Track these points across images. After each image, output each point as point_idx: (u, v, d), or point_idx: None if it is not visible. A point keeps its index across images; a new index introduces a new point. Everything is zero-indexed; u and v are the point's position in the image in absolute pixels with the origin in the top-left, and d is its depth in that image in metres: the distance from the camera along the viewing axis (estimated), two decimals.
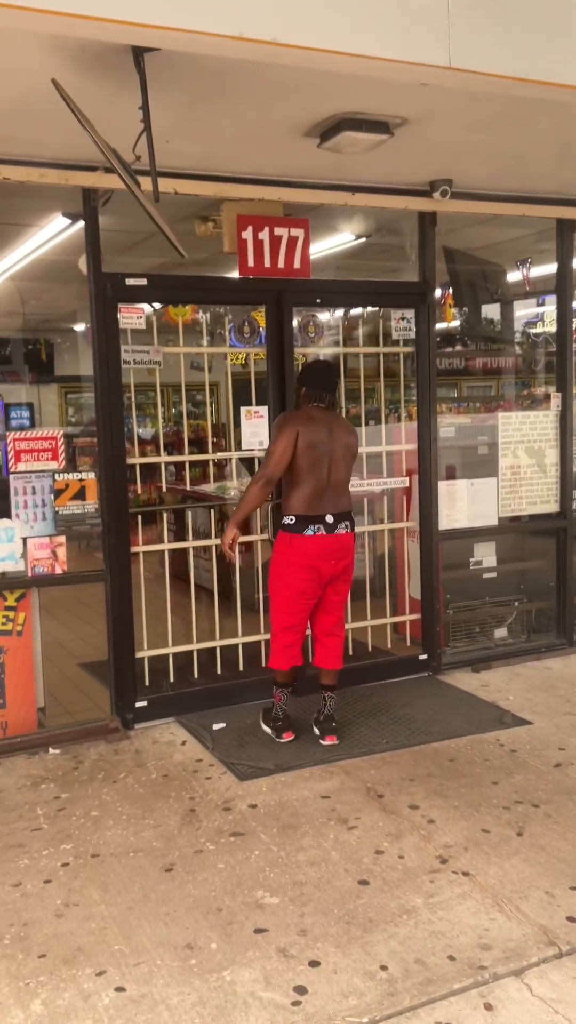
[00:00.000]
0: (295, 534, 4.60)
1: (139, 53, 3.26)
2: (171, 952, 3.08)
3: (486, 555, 6.15)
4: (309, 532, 4.58)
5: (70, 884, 3.52)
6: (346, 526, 4.68)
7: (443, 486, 5.93)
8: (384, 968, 2.96)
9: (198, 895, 3.41)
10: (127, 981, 2.94)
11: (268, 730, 4.92)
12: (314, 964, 3.00)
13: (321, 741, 4.79)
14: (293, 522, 4.61)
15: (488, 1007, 2.79)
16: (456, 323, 6.70)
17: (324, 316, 5.64)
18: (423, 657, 5.88)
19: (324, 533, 4.61)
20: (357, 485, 5.35)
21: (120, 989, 2.90)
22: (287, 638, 4.76)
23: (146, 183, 3.60)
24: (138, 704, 5.12)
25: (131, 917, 3.29)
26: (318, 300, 5.58)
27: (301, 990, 2.87)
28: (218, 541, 4.94)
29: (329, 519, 4.62)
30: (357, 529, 4.79)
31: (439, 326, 6.07)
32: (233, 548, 4.69)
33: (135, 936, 3.18)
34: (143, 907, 3.35)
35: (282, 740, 4.82)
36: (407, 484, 5.90)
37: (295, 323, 5.45)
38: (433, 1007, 2.80)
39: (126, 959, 3.05)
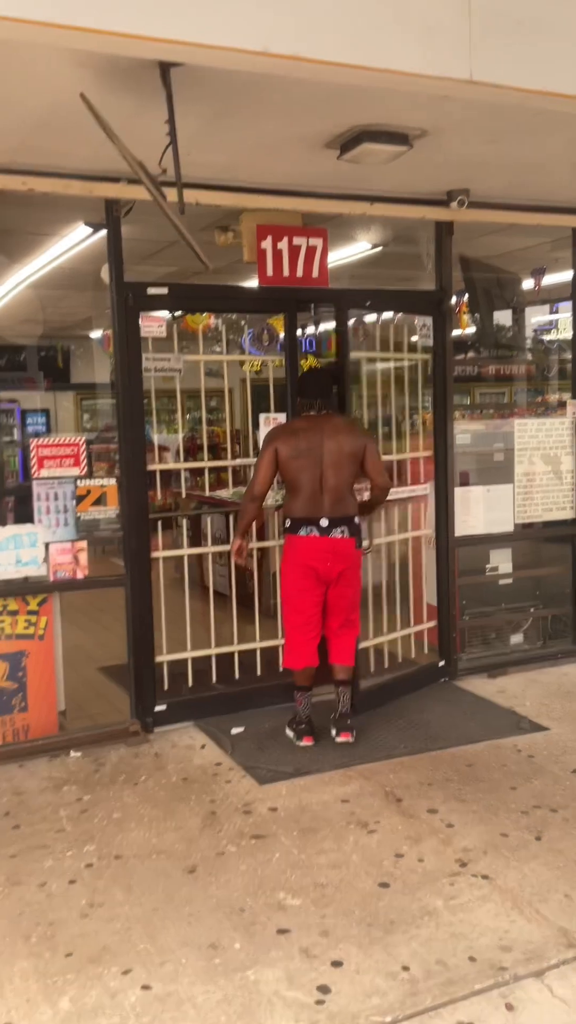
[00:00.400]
0: (291, 535, 4.82)
1: (165, 68, 3.33)
2: (195, 952, 3.13)
3: (502, 561, 6.18)
4: (303, 533, 4.77)
5: (94, 885, 3.57)
6: (342, 531, 4.77)
7: (459, 492, 5.97)
8: (406, 969, 3.00)
9: (221, 896, 3.46)
10: (153, 979, 2.98)
11: (290, 733, 4.98)
12: (337, 964, 3.04)
13: (335, 739, 4.87)
14: (289, 524, 4.84)
15: (509, 1007, 2.83)
16: (471, 330, 6.75)
17: (368, 319, 5.68)
18: (440, 664, 5.91)
19: (317, 535, 4.76)
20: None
21: (146, 987, 2.95)
22: (296, 636, 4.90)
23: (170, 194, 3.67)
24: (157, 708, 5.18)
25: (155, 917, 3.34)
26: (334, 308, 5.63)
27: (324, 989, 2.91)
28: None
29: (324, 523, 4.75)
30: (377, 540, 4.86)
31: (453, 333, 6.13)
32: (242, 556, 4.94)
33: (160, 936, 3.22)
34: (167, 908, 3.40)
35: (301, 744, 4.87)
36: (427, 491, 5.94)
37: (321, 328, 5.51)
38: (455, 1007, 2.83)
39: (151, 958, 3.10)
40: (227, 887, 3.53)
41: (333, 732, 4.91)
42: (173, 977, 2.99)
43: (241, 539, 4.93)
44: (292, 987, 2.93)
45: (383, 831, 3.93)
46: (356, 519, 4.85)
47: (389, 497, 5.17)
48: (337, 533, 4.77)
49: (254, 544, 5.96)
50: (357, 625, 5.02)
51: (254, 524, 5.09)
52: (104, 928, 3.28)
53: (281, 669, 5.34)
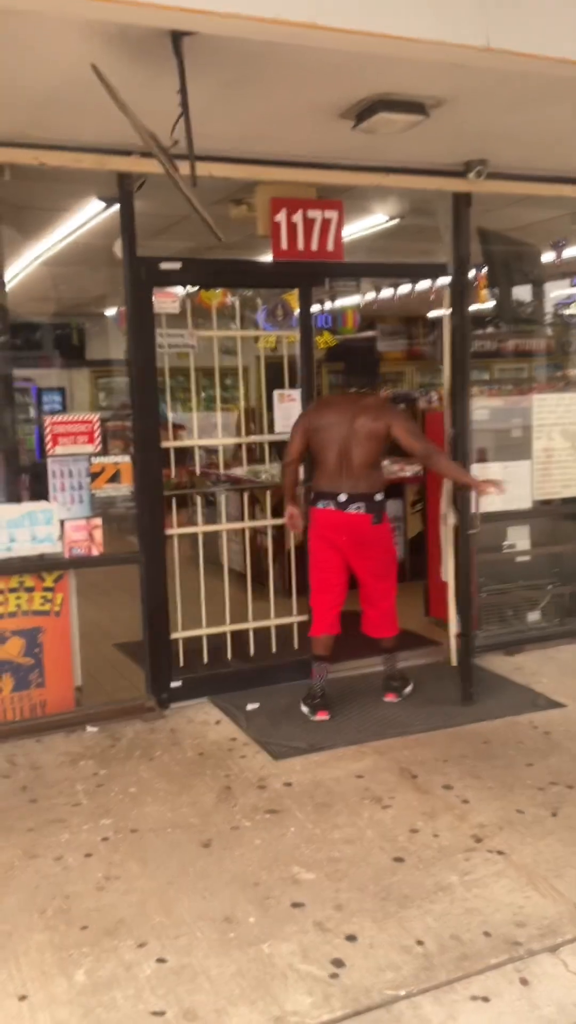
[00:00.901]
0: (312, 507, 5.03)
1: (177, 37, 3.29)
2: (210, 925, 3.15)
3: (519, 538, 6.15)
4: (320, 505, 4.97)
5: (110, 858, 3.61)
6: (359, 507, 4.89)
7: (476, 469, 5.92)
8: (420, 943, 3.02)
9: (235, 870, 3.49)
10: (168, 952, 3.01)
11: (305, 709, 5.01)
12: (351, 938, 3.06)
13: (383, 698, 5.19)
14: (312, 496, 5.05)
15: (524, 982, 2.84)
16: (489, 304, 6.68)
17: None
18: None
19: (333, 508, 4.92)
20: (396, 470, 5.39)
21: (161, 960, 2.98)
22: (318, 603, 5.06)
23: (183, 167, 3.63)
24: (173, 684, 5.21)
25: (170, 891, 3.37)
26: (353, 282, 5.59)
27: (338, 963, 2.93)
28: (251, 524, 5.44)
29: (341, 498, 4.90)
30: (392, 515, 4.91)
31: (472, 308, 6.06)
32: (297, 526, 5.15)
33: (175, 909, 3.25)
34: (182, 881, 3.43)
35: (316, 718, 4.91)
36: None
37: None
38: (469, 982, 2.85)
39: (166, 931, 3.13)
40: (242, 861, 3.55)
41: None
42: (188, 950, 3.02)
43: (291, 505, 5.13)
44: (306, 961, 2.95)
45: (398, 806, 3.94)
46: (378, 496, 4.94)
47: (407, 473, 5.23)
48: (353, 509, 4.88)
49: (269, 521, 5.97)
50: (389, 596, 5.14)
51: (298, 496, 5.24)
52: (120, 901, 3.32)
53: (296, 647, 5.36)
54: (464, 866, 3.47)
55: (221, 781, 4.25)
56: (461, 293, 5.71)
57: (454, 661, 5.25)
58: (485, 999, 2.76)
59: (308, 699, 5.02)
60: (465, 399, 5.77)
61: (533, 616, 6.26)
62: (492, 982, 2.84)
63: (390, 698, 5.16)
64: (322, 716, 4.92)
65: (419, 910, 3.20)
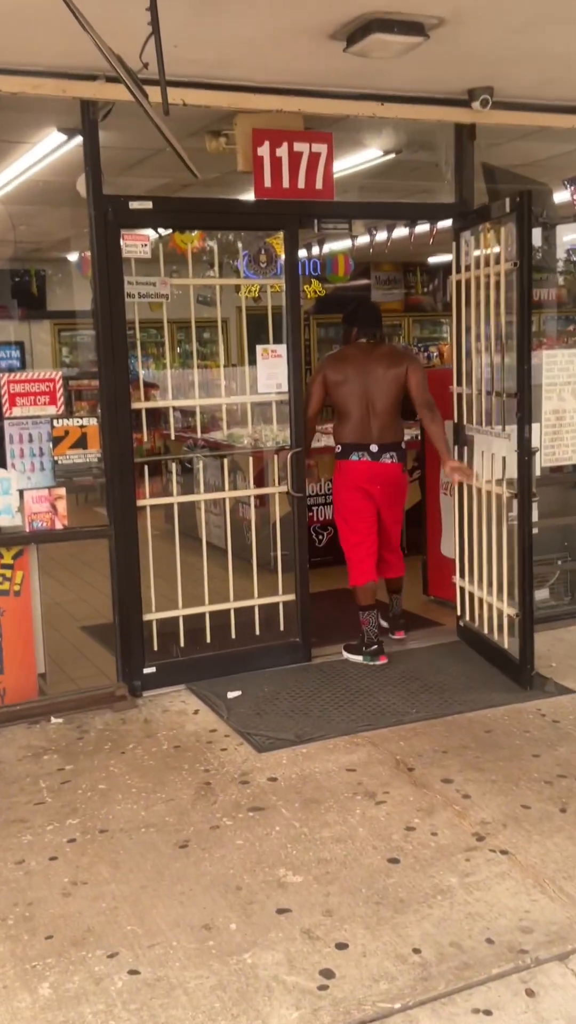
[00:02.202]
0: (343, 460, 5.51)
1: None
2: (188, 933, 3.17)
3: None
4: (354, 458, 5.47)
5: (77, 861, 3.61)
6: (391, 456, 5.52)
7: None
8: (417, 951, 3.04)
9: (215, 873, 3.50)
10: (141, 963, 3.03)
11: (359, 658, 5.51)
12: (341, 946, 3.08)
13: (391, 635, 5.79)
14: (340, 450, 5.53)
15: (530, 993, 2.87)
16: (495, 250, 6.62)
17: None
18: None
19: (368, 460, 5.47)
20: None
21: (134, 972, 2.99)
22: (358, 554, 5.58)
23: (154, 94, 3.56)
24: (146, 670, 5.21)
25: (144, 896, 3.38)
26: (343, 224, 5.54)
27: (328, 974, 2.95)
28: (232, 494, 5.59)
29: (374, 448, 5.46)
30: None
31: (477, 253, 6.01)
32: (313, 476, 5.79)
33: (149, 916, 3.26)
34: (157, 885, 3.44)
35: (377, 663, 5.46)
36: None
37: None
38: (470, 993, 2.87)
39: (139, 940, 3.14)
40: (222, 863, 3.56)
41: (387, 625, 5.79)
42: (163, 961, 3.04)
43: (309, 459, 5.68)
44: (293, 971, 2.97)
45: (393, 802, 3.96)
46: (403, 444, 5.55)
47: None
48: (387, 458, 5.49)
49: (252, 490, 5.95)
50: (399, 538, 5.83)
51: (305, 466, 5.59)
52: (88, 908, 3.32)
53: (282, 628, 5.36)
54: (465, 867, 3.49)
55: (200, 776, 4.25)
56: (523, 232, 5.43)
57: (505, 642, 5.22)
58: (487, 1012, 2.79)
59: (363, 647, 5.51)
60: (529, 353, 5.45)
61: (541, 594, 6.26)
62: (495, 993, 2.87)
63: (400, 635, 5.81)
64: (384, 660, 5.46)
65: (416, 915, 3.22)
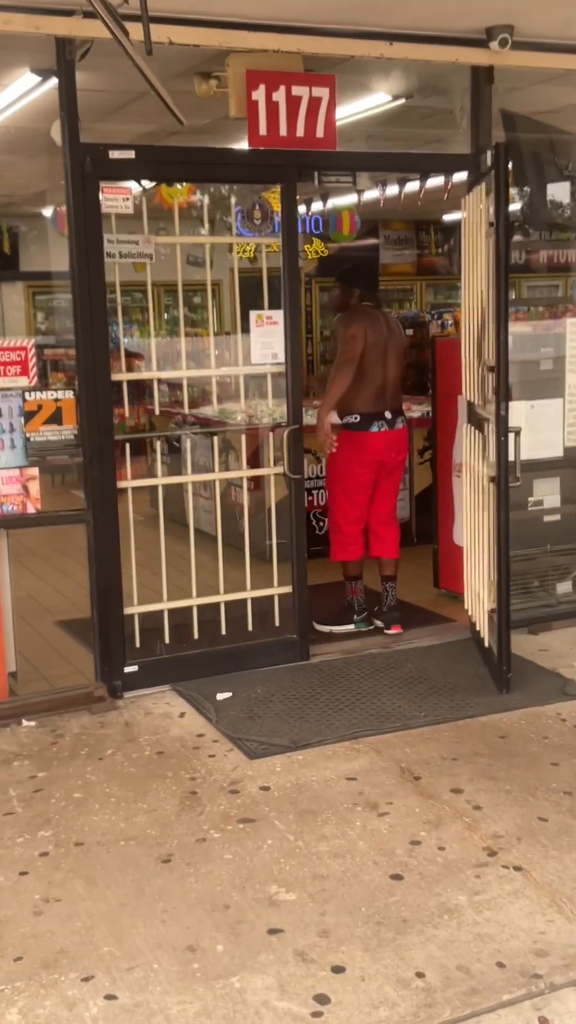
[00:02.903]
0: (362, 431, 5.72)
1: None
2: (170, 955, 3.20)
3: (548, 493, 6.18)
4: (375, 429, 5.72)
5: (50, 876, 3.64)
6: (402, 420, 5.92)
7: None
8: (420, 975, 3.08)
9: (201, 890, 3.53)
10: (119, 988, 3.06)
11: (348, 627, 5.90)
12: (338, 970, 3.11)
13: (386, 631, 5.89)
14: (358, 420, 5.73)
15: (543, 1021, 2.90)
16: (516, 206, 6.62)
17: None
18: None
19: (387, 429, 5.77)
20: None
21: (111, 997, 3.02)
22: (351, 529, 5.92)
23: (136, 31, 3.56)
24: (127, 669, 5.23)
25: (123, 915, 3.41)
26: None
27: (323, 999, 2.99)
28: (223, 475, 5.52)
29: (388, 415, 5.77)
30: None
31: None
32: (330, 439, 5.70)
33: (128, 937, 3.30)
34: (137, 903, 3.47)
35: (392, 632, 5.84)
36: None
37: None
38: (478, 1020, 2.90)
39: (117, 963, 3.17)
40: (209, 879, 3.60)
41: (381, 624, 5.93)
42: (143, 985, 3.07)
43: (327, 415, 5.72)
44: (284, 997, 3.00)
45: (397, 814, 3.99)
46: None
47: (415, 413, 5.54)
48: (400, 424, 5.86)
49: (245, 471, 5.96)
50: (397, 515, 6.11)
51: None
52: (61, 927, 3.36)
53: (277, 624, 5.40)
54: (475, 884, 3.53)
55: (185, 785, 4.28)
56: (500, 189, 5.55)
57: (487, 640, 5.27)
58: None
59: (353, 615, 5.92)
60: (505, 323, 5.58)
61: (563, 587, 6.30)
62: (505, 1021, 2.90)
63: (396, 630, 5.88)
64: (398, 629, 5.86)
65: (420, 936, 3.26)
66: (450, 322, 12.21)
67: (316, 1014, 2.93)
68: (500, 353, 4.88)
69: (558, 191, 6.71)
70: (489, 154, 5.00)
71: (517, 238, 7.83)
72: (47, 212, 10.98)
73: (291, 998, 2.99)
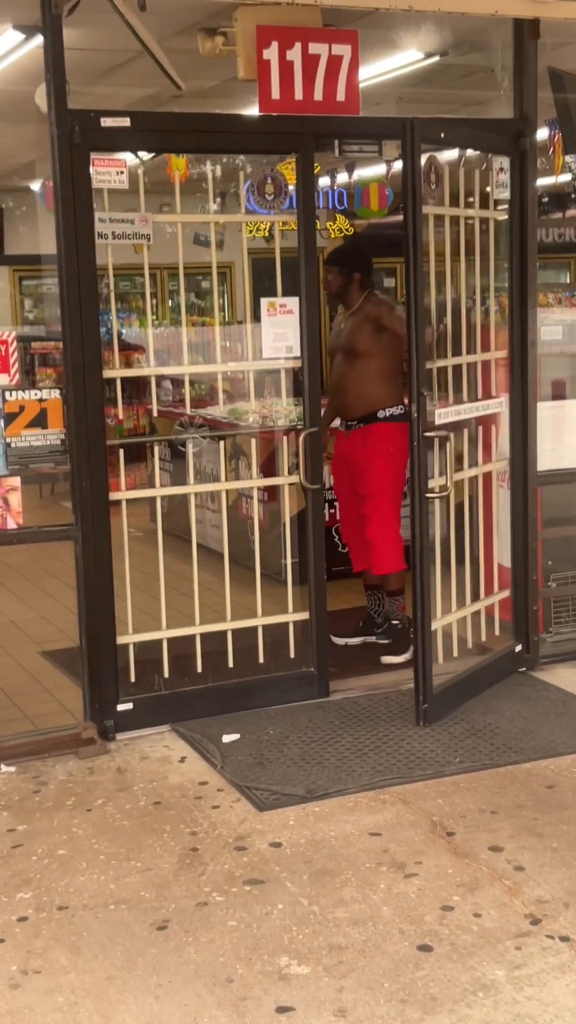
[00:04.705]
0: (404, 422, 5.62)
1: None
2: None
3: None
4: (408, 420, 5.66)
5: (29, 945, 3.65)
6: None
7: (545, 409, 5.93)
8: None
9: (201, 961, 3.53)
10: None
11: (401, 659, 6.00)
12: None
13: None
14: (403, 411, 5.90)
15: None
16: (569, 178, 6.64)
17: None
18: (516, 649, 5.93)
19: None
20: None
21: None
22: (397, 531, 6.16)
23: None
24: (121, 707, 5.25)
25: (111, 989, 3.42)
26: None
27: None
28: (229, 486, 5.10)
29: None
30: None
31: (544, 181, 6.01)
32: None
33: (116, 1014, 3.30)
34: (127, 976, 3.47)
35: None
36: (500, 408, 5.90)
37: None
38: None
39: None
40: (210, 949, 3.60)
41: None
42: None
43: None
44: None
45: (426, 875, 3.99)
46: None
47: (459, 417, 5.70)
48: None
49: (256, 481, 5.98)
50: None
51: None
52: (41, 1003, 3.36)
53: (292, 656, 5.41)
54: (515, 957, 3.51)
55: (185, 840, 4.29)
56: (523, 161, 5.64)
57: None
58: None
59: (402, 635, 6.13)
60: (527, 309, 5.72)
61: None
62: None
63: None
64: None
65: (451, 1016, 3.25)
66: (496, 308, 12.22)
67: None
68: (417, 350, 5.12)
69: None
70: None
71: (571, 213, 7.85)
72: (35, 186, 11.06)
73: None
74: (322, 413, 5.91)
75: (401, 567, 6.13)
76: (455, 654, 5.69)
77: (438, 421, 5.38)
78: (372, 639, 6.33)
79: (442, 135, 5.40)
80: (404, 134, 5.12)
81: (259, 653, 5.60)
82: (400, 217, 5.37)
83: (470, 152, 5.79)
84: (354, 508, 6.30)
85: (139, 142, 5.25)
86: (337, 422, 6.33)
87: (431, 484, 5.29)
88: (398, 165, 9.13)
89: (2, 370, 4.96)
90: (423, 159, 5.20)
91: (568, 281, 11.13)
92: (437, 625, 5.51)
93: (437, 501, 5.56)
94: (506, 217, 5.82)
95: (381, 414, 6.07)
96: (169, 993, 3.40)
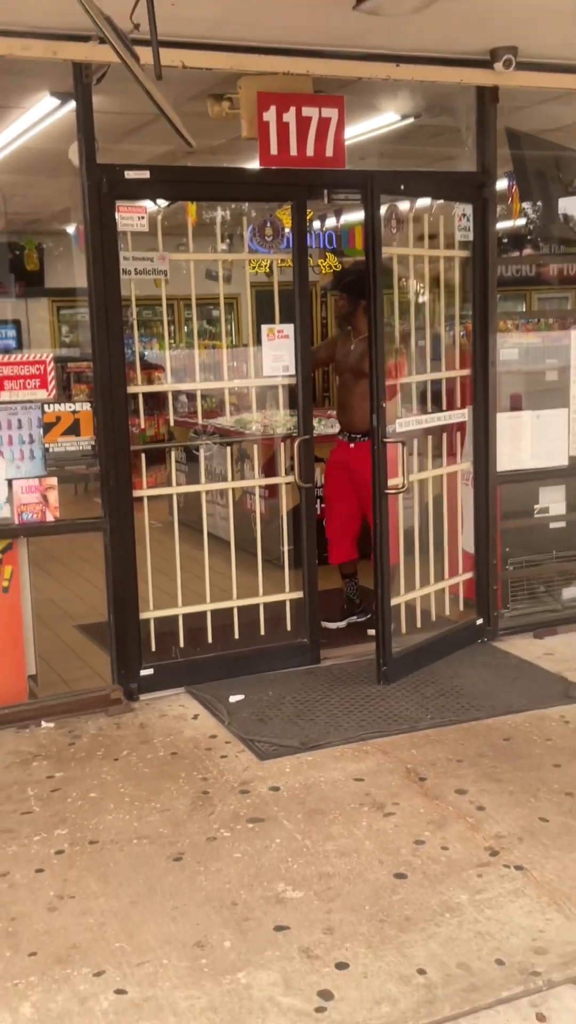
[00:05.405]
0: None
1: None
2: (179, 951, 3.21)
3: (554, 501, 6.16)
4: None
5: (65, 874, 3.66)
6: None
7: (503, 419, 5.92)
8: (422, 972, 3.07)
9: (211, 888, 3.54)
10: (129, 983, 3.07)
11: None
12: (341, 966, 3.11)
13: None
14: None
15: (541, 1018, 2.89)
16: (524, 222, 6.61)
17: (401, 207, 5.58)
18: (478, 622, 5.93)
19: None
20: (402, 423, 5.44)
21: (121, 991, 3.03)
22: None
23: (147, 56, 3.58)
24: (143, 672, 5.25)
25: (134, 912, 3.42)
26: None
27: (326, 995, 2.98)
28: (235, 484, 5.36)
29: None
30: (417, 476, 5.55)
31: (505, 225, 6.01)
32: None
33: (138, 933, 3.31)
34: (148, 900, 3.48)
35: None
36: (464, 418, 5.89)
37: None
38: (477, 1017, 2.90)
39: (128, 958, 3.18)
40: (218, 877, 3.60)
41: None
42: (152, 980, 3.08)
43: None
44: (289, 992, 3.00)
45: (402, 814, 3.99)
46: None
47: (421, 425, 5.54)
48: None
49: (258, 480, 5.97)
50: None
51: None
52: (75, 924, 3.37)
53: (288, 628, 5.40)
54: (476, 883, 3.52)
55: (197, 785, 4.29)
56: (484, 207, 5.65)
57: None
58: None
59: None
60: (488, 334, 5.74)
61: (568, 592, 6.27)
62: (504, 1018, 2.89)
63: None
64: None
65: (422, 934, 3.25)
66: (463, 332, 12.19)
67: (319, 1009, 2.93)
68: (377, 367, 5.15)
69: (570, 206, 6.70)
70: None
71: (523, 252, 7.82)
72: (70, 229, 11.04)
73: (295, 994, 2.99)
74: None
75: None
76: (418, 625, 5.70)
77: (407, 428, 5.39)
78: (354, 619, 6.26)
79: (402, 187, 5.38)
80: (365, 185, 5.11)
81: (260, 626, 5.58)
82: (385, 254, 5.36)
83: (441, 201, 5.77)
84: (346, 509, 6.18)
85: (157, 192, 5.23)
86: (337, 428, 6.25)
87: (392, 482, 5.25)
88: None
89: (41, 386, 4.94)
90: (384, 208, 5.20)
91: (524, 310, 11.08)
92: (401, 600, 5.55)
93: (413, 497, 5.56)
94: (469, 254, 5.81)
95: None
96: (184, 915, 3.40)
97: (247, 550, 5.74)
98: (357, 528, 6.25)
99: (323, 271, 10.13)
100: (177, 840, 3.86)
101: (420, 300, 5.64)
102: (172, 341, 6.83)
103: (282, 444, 5.78)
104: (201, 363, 5.64)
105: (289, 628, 5.62)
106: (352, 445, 6.13)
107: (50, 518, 5.00)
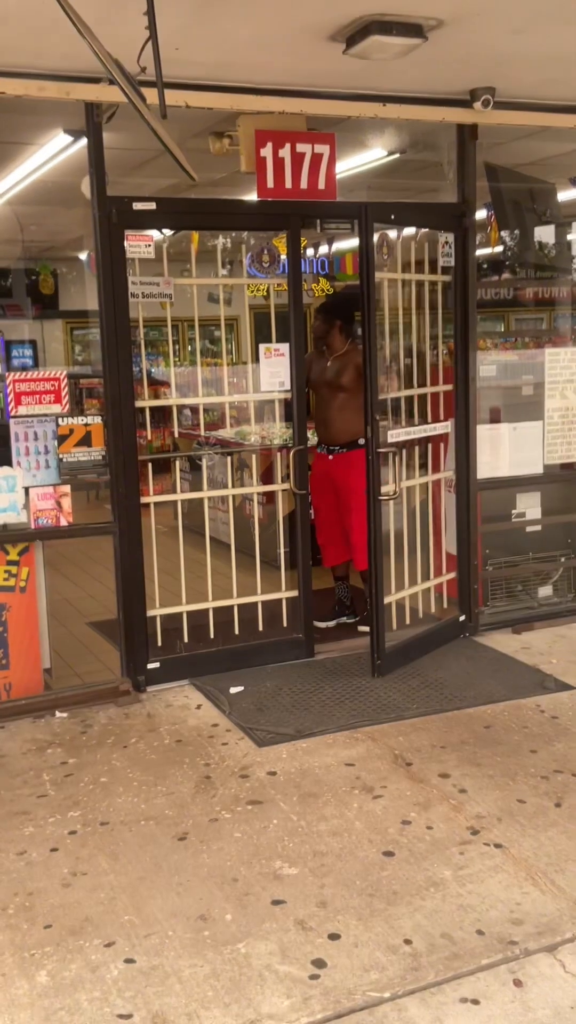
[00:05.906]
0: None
1: None
2: (183, 923, 3.21)
3: (530, 506, 6.17)
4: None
5: (78, 853, 3.66)
6: None
7: (483, 431, 5.94)
8: (408, 942, 3.08)
9: (213, 865, 3.55)
10: (137, 952, 3.07)
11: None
12: (334, 937, 3.12)
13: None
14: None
15: (518, 983, 2.90)
16: (502, 249, 6.64)
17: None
18: (460, 619, 5.94)
19: None
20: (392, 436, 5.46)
21: (130, 960, 3.04)
22: None
23: (152, 96, 3.60)
24: (150, 665, 5.25)
25: (142, 887, 3.43)
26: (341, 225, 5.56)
27: (320, 963, 2.99)
28: (235, 491, 5.36)
29: None
30: (404, 483, 5.49)
31: (484, 252, 6.03)
32: None
33: (146, 907, 3.31)
34: (154, 877, 3.49)
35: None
36: (447, 429, 5.91)
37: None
38: (459, 983, 2.91)
39: (136, 930, 3.19)
40: (220, 855, 3.61)
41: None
42: (159, 950, 3.08)
43: None
44: (285, 961, 3.01)
45: (390, 796, 4.00)
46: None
47: (409, 437, 5.50)
48: None
49: (256, 488, 5.98)
50: None
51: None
52: (87, 898, 3.37)
53: (284, 624, 5.40)
54: (458, 860, 3.53)
55: (200, 770, 4.30)
56: (465, 236, 5.68)
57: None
58: (475, 1001, 2.82)
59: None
60: (469, 352, 5.77)
61: (544, 591, 6.29)
62: (484, 984, 2.90)
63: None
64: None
65: (408, 907, 3.26)
66: (446, 351, 12.21)
67: (313, 976, 2.94)
68: (372, 385, 5.15)
69: (542, 235, 6.73)
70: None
71: (501, 276, 7.86)
72: (82, 256, 11.06)
73: (291, 962, 3.00)
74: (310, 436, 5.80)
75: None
76: (407, 622, 5.69)
77: (394, 440, 5.39)
78: (345, 619, 6.16)
79: (392, 216, 5.41)
80: (359, 215, 5.13)
81: (259, 623, 5.59)
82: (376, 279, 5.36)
83: (426, 230, 5.80)
84: (332, 516, 6.12)
85: (163, 221, 5.24)
86: (315, 441, 6.18)
87: (385, 489, 5.27)
88: None
89: (56, 401, 4.96)
90: (376, 236, 5.21)
91: (502, 330, 11.11)
92: (391, 599, 5.54)
93: (402, 502, 5.57)
94: (451, 279, 5.83)
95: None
96: (187, 890, 3.41)
97: (246, 552, 5.74)
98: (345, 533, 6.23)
99: (316, 295, 10.14)
100: (182, 821, 3.87)
101: (406, 321, 5.64)
102: (177, 359, 6.83)
103: (278, 454, 5.80)
104: (203, 379, 5.62)
105: (285, 624, 5.63)
106: (331, 457, 6.02)
107: (64, 523, 5.01)
